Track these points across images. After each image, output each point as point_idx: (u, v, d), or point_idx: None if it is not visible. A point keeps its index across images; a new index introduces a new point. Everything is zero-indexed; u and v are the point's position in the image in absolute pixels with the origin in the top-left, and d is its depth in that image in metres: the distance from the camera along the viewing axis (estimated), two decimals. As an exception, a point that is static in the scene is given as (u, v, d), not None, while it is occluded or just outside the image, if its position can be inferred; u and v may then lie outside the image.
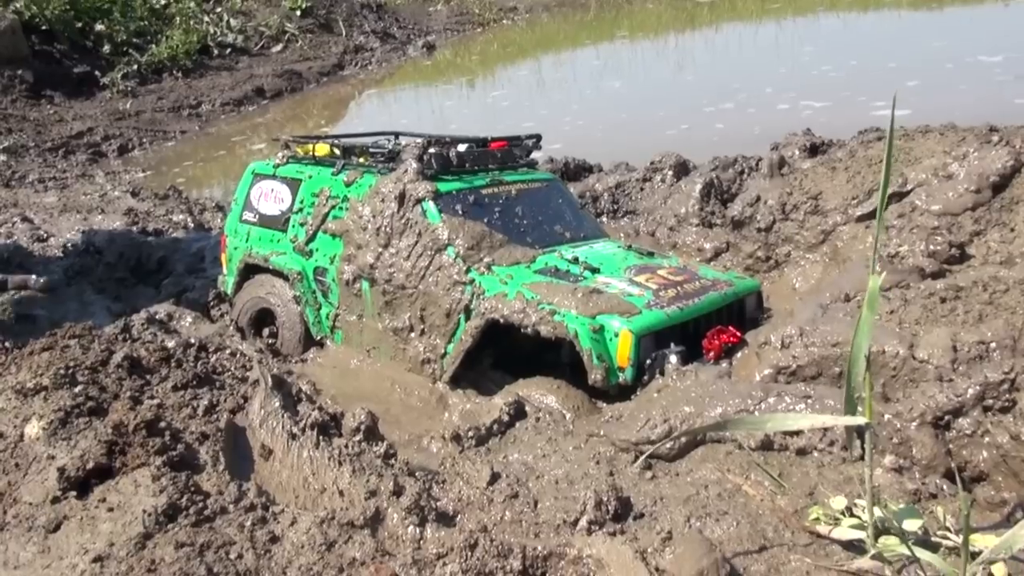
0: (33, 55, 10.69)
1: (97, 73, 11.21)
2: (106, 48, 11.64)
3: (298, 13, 14.33)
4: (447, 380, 3.64)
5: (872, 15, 12.84)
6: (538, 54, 14.22)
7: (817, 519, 2.03)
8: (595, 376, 3.19)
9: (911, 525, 1.85)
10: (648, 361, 3.20)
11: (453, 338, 3.64)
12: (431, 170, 3.88)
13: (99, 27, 11.77)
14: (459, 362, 3.59)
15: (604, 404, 3.23)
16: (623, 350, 3.21)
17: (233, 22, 13.46)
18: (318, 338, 4.11)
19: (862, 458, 2.32)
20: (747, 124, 6.09)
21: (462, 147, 4.08)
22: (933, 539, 1.88)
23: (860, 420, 1.74)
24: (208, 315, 4.54)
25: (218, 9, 13.77)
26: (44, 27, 11.09)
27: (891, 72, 8.27)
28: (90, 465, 2.39)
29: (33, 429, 2.57)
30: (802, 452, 2.35)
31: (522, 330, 3.37)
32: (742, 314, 3.63)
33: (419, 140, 3.99)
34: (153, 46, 11.98)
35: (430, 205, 3.76)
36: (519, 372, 3.52)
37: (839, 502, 2.03)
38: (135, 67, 11.51)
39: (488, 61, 14.26)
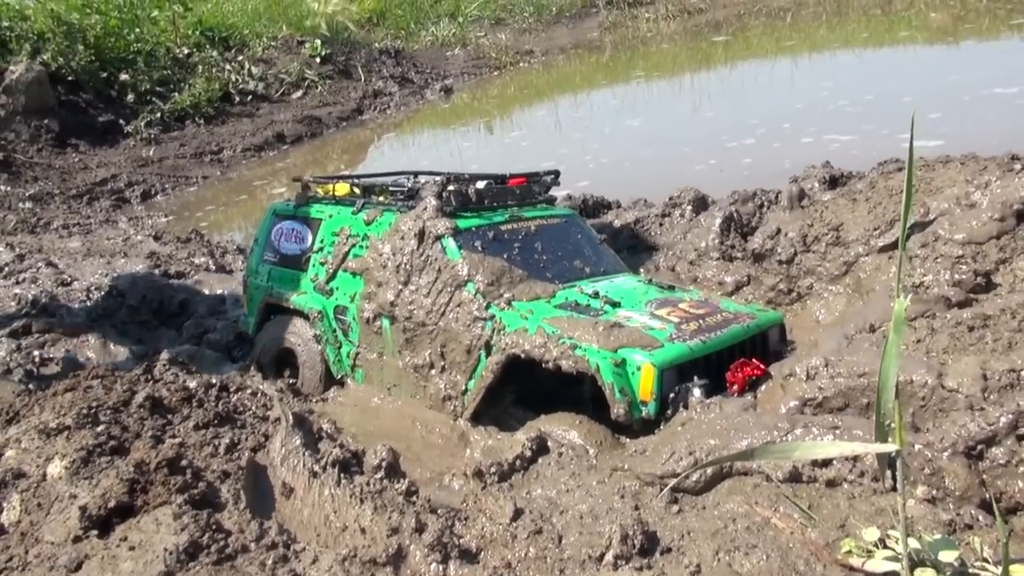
0: (59, 105, 10.89)
1: (121, 121, 11.41)
2: (130, 97, 11.85)
3: (318, 60, 14.54)
4: (468, 417, 3.61)
5: (887, 50, 12.86)
6: (555, 95, 14.33)
7: (849, 552, 1.98)
8: (618, 410, 3.15)
9: (947, 556, 1.80)
10: (671, 395, 3.16)
11: (474, 374, 3.62)
12: (450, 207, 3.90)
13: (123, 77, 12.00)
14: (480, 398, 3.56)
15: (627, 439, 3.18)
16: (646, 384, 3.17)
17: (254, 70, 13.67)
18: (339, 377, 4.10)
19: (894, 488, 2.27)
20: (776, 158, 6.06)
21: (481, 184, 4.10)
22: (971, 570, 1.82)
23: (891, 447, 1.70)
24: (230, 355, 4.55)
25: (239, 58, 14.00)
26: (70, 78, 11.32)
27: (908, 106, 8.25)
28: (112, 503, 2.39)
29: (55, 468, 2.58)
30: (832, 484, 2.31)
31: (543, 365, 3.34)
32: (765, 347, 3.58)
33: (438, 178, 4.02)
34: (176, 94, 12.17)
35: (449, 242, 3.77)
36: (540, 408, 3.49)
37: (872, 534, 1.98)
38: (158, 115, 11.70)
39: (506, 103, 14.39)
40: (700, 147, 8.49)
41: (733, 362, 3.30)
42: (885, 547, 1.94)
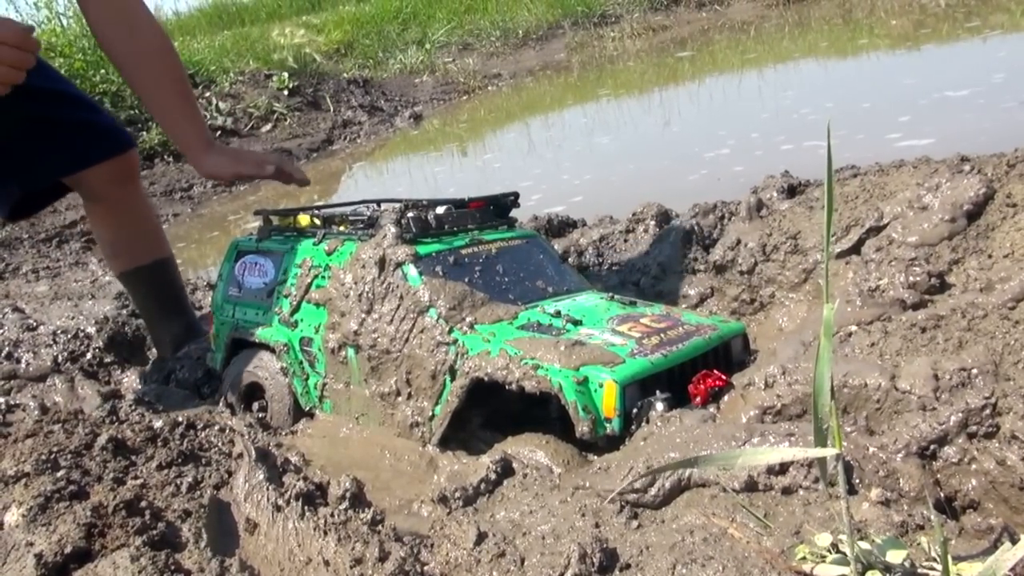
0: (26, 149, 10.83)
1: (90, 163, 11.35)
2: (98, 138, 11.81)
3: (286, 92, 14.59)
4: (436, 443, 3.60)
5: (847, 58, 13.05)
6: (525, 117, 14.42)
7: (804, 558, 1.99)
8: (582, 428, 3.16)
9: (895, 557, 1.81)
10: (635, 410, 3.17)
11: (440, 400, 3.61)
12: (410, 233, 3.91)
13: (91, 118, 11.97)
14: (447, 424, 3.55)
15: (594, 456, 3.19)
16: (608, 400, 3.18)
17: (222, 105, 13.68)
18: (307, 409, 4.08)
19: (851, 491, 2.30)
20: (764, 165, 6.00)
21: (440, 209, 4.12)
22: (920, 570, 1.84)
23: (831, 451, 1.72)
24: (199, 392, 4.53)
25: (207, 94, 14.01)
26: (36, 121, 11.28)
27: (868, 111, 8.38)
28: (68, 549, 2.36)
29: (12, 517, 2.55)
30: (787, 491, 2.32)
31: (507, 387, 3.35)
32: (728, 357, 3.60)
33: (397, 205, 4.02)
34: (144, 133, 12.14)
35: (410, 268, 3.77)
36: (509, 430, 3.49)
37: (824, 539, 1.99)
38: (127, 155, 11.66)
39: (476, 127, 14.47)
40: (681, 160, 8.55)
41: (696, 374, 3.32)
42: (837, 551, 1.95)
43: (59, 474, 2.81)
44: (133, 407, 3.80)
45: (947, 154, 4.25)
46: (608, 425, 3.21)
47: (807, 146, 7.59)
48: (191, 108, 4.20)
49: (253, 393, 4.29)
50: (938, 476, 2.32)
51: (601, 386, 3.23)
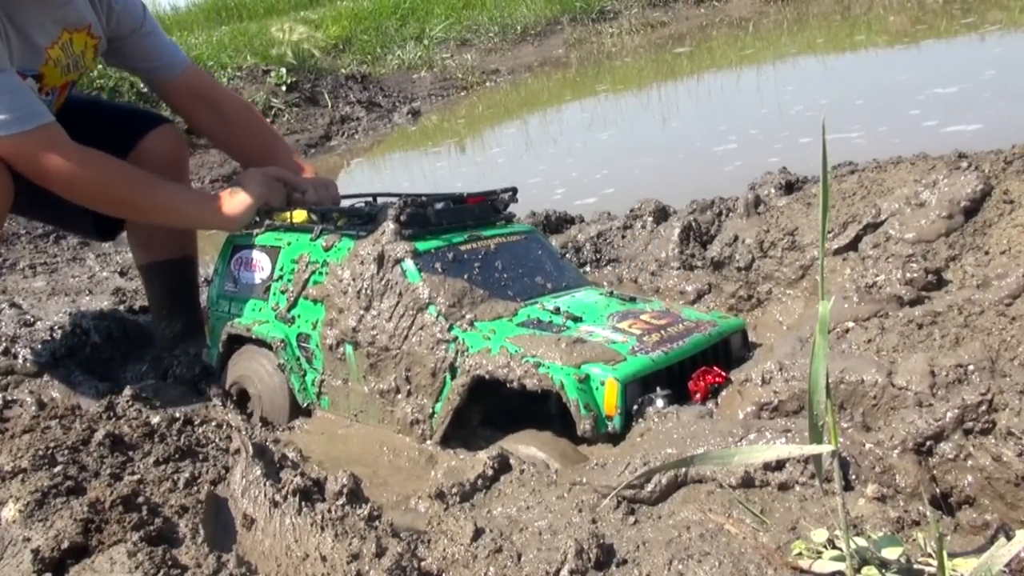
0: (24, 145, 10.80)
1: (87, 158, 11.32)
2: (96, 133, 11.78)
3: (284, 88, 14.56)
4: (438, 440, 3.58)
5: (845, 55, 13.05)
6: (524, 113, 14.40)
7: (800, 554, 2.00)
8: (584, 426, 3.15)
9: (891, 553, 1.82)
10: (635, 407, 3.17)
11: (440, 397, 3.60)
12: (409, 230, 3.90)
13: (88, 113, 11.94)
14: (448, 422, 3.54)
15: (592, 452, 3.19)
16: (610, 398, 3.17)
17: (220, 101, 13.65)
18: (304, 405, 4.08)
19: (847, 487, 2.30)
20: (790, 158, 5.93)
21: (439, 205, 4.10)
22: (915, 566, 1.84)
23: (827, 448, 1.72)
24: (195, 388, 4.52)
25: (205, 89, 13.97)
26: (34, 117, 11.26)
27: (861, 108, 8.38)
28: (65, 545, 2.36)
29: (9, 512, 2.55)
30: (784, 486, 2.33)
31: (508, 385, 3.34)
32: (728, 354, 3.60)
33: (396, 200, 4.01)
34: (142, 128, 12.12)
35: (409, 265, 3.76)
36: (508, 426, 3.49)
37: (820, 535, 1.99)
38: (125, 150, 11.63)
39: (475, 123, 14.45)
40: (695, 154, 8.51)
41: (695, 370, 3.32)
42: (834, 547, 1.95)
43: (56, 470, 2.82)
44: (130, 403, 3.79)
45: (993, 142, 4.24)
46: (609, 423, 3.20)
47: (838, 137, 7.51)
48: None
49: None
50: (934, 472, 2.32)
51: (603, 384, 3.21)
